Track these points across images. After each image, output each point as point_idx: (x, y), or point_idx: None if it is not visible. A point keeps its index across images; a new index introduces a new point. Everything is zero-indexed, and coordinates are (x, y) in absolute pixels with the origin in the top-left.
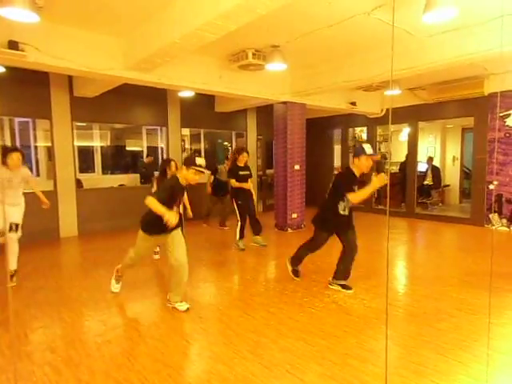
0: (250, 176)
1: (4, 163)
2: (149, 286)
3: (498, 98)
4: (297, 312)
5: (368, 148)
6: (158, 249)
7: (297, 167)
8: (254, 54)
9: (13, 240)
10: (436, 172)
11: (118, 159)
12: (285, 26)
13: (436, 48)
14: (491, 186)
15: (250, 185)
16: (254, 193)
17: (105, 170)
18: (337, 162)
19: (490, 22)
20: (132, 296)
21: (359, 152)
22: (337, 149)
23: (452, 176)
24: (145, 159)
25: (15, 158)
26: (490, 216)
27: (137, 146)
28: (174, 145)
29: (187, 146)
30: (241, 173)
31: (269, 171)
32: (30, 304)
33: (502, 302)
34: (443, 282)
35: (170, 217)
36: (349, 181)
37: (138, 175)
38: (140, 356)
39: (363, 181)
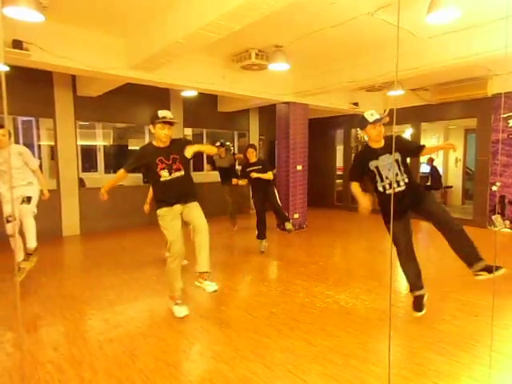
0: (265, 170)
1: None
2: (151, 284)
3: (502, 99)
4: (298, 312)
5: (370, 115)
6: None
7: (299, 167)
8: (257, 54)
9: (26, 214)
10: (435, 173)
11: (120, 158)
12: (288, 26)
13: (439, 49)
14: (494, 188)
15: (268, 175)
16: (265, 176)
17: (107, 170)
18: (339, 163)
19: (494, 22)
20: (134, 295)
21: (363, 124)
22: (339, 149)
23: (455, 177)
24: None
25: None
26: (493, 217)
27: (139, 145)
28: None
29: None
30: (251, 168)
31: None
32: (33, 302)
33: (505, 304)
34: (445, 283)
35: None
36: (355, 162)
37: (140, 174)
38: (142, 355)
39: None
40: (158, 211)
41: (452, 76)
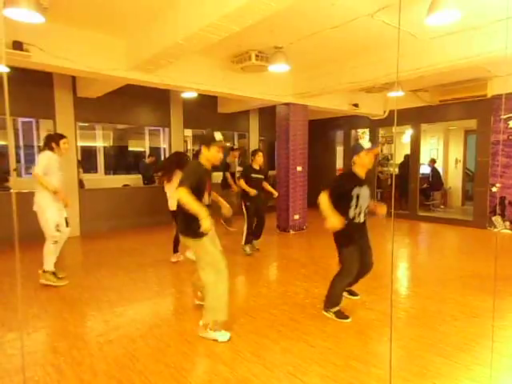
0: (265, 180)
1: (54, 149)
2: (151, 286)
3: (503, 100)
4: (299, 313)
5: (365, 143)
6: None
7: (299, 168)
8: (257, 56)
9: (67, 235)
10: (435, 174)
11: (120, 160)
12: (288, 27)
13: (439, 50)
14: (494, 189)
15: (267, 186)
16: (274, 192)
17: (107, 171)
18: (339, 164)
19: (494, 23)
20: (134, 296)
21: (357, 150)
22: (339, 150)
23: (455, 178)
24: (146, 159)
25: (67, 142)
26: (493, 218)
27: (139, 146)
28: (176, 145)
29: (190, 146)
30: (253, 175)
31: (271, 172)
32: (33, 303)
33: (505, 305)
34: (446, 285)
35: (206, 221)
36: (342, 181)
37: (140, 176)
38: (142, 356)
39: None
40: (200, 240)
41: (452, 77)
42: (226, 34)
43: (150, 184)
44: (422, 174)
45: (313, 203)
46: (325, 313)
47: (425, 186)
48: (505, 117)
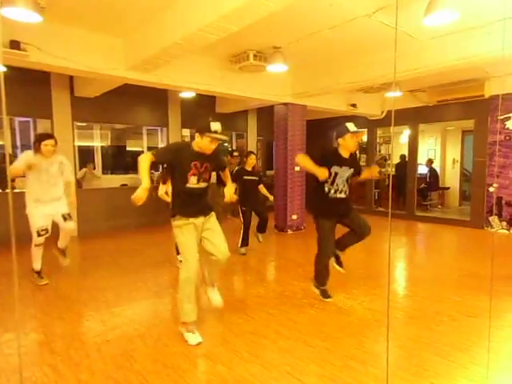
0: (260, 182)
1: (38, 150)
2: (149, 286)
3: (500, 100)
4: (296, 313)
5: (351, 126)
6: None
7: (297, 169)
8: (255, 56)
9: (70, 231)
10: (432, 174)
11: (118, 159)
12: (286, 27)
13: (437, 50)
14: (491, 189)
15: (263, 189)
16: (269, 196)
17: (105, 171)
18: None
19: (492, 24)
20: (132, 296)
21: (343, 131)
22: None
23: (452, 178)
24: None
25: (49, 144)
26: (490, 219)
27: (137, 146)
28: None
29: None
30: (246, 177)
31: (269, 172)
32: (30, 304)
33: (502, 305)
34: (443, 285)
35: (140, 191)
36: (326, 159)
37: (138, 176)
38: (139, 356)
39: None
40: (175, 221)
41: (449, 77)
42: (224, 33)
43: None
44: (420, 174)
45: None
46: (313, 288)
47: (422, 186)
48: (502, 117)
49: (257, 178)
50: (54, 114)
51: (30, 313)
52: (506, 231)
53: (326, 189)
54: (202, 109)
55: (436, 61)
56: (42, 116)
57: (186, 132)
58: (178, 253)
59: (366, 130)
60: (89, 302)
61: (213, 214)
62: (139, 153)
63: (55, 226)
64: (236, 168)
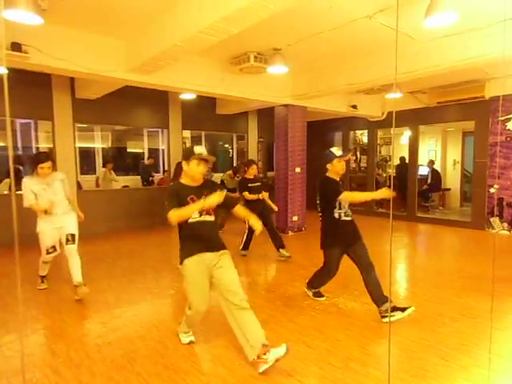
0: (263, 188)
1: (35, 172)
2: (149, 287)
3: (500, 101)
4: (297, 315)
5: (336, 150)
6: None
7: (298, 170)
8: (255, 57)
9: (73, 253)
10: (435, 175)
11: (119, 161)
12: (287, 29)
13: (437, 52)
14: (492, 190)
15: (265, 196)
16: (274, 207)
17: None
18: None
19: (492, 26)
20: (132, 298)
21: (330, 157)
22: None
23: (453, 179)
24: (145, 161)
25: (46, 167)
26: (491, 220)
27: (138, 147)
28: (175, 147)
29: None
30: (250, 185)
31: (270, 174)
32: (31, 305)
33: (504, 306)
34: (444, 286)
35: (208, 199)
36: (334, 184)
37: (139, 177)
38: (140, 358)
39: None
40: (185, 261)
41: (450, 79)
42: (224, 35)
43: (148, 185)
44: (421, 175)
45: (311, 205)
46: (305, 289)
47: (425, 187)
48: (502, 118)
49: (260, 184)
50: (55, 115)
51: (32, 314)
52: (507, 232)
53: (337, 215)
54: (202, 110)
55: (436, 62)
56: (43, 117)
57: (187, 133)
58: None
59: (351, 153)
60: (89, 303)
61: (226, 251)
62: (140, 154)
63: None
64: (237, 180)
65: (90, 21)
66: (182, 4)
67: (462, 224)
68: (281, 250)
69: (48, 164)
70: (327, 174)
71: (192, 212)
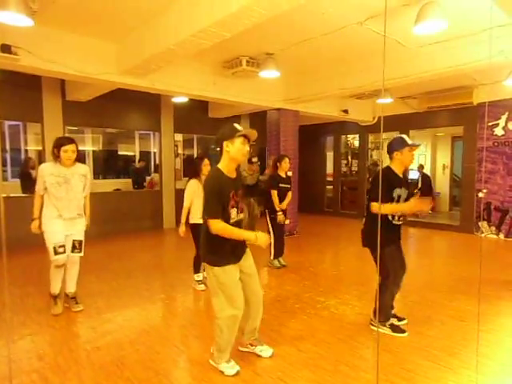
0: (290, 190)
1: (57, 158)
2: (140, 291)
3: (486, 107)
4: (289, 319)
5: (408, 138)
6: (201, 277)
7: (290, 173)
8: (248, 62)
9: (76, 262)
10: (425, 179)
11: (110, 164)
12: (279, 34)
13: (427, 58)
14: (481, 194)
15: (289, 197)
16: (284, 221)
17: (96, 175)
18: (329, 169)
19: (479, 33)
20: (123, 302)
21: (401, 144)
22: (329, 156)
23: (442, 184)
24: (136, 164)
25: (70, 150)
26: (480, 224)
27: (129, 150)
28: (166, 150)
29: (180, 151)
30: (281, 185)
31: (262, 177)
32: (18, 310)
33: (491, 309)
34: (433, 289)
35: (261, 237)
36: (387, 183)
37: (130, 180)
38: (130, 363)
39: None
40: (221, 266)
41: (439, 85)
42: (217, 39)
43: (140, 188)
44: (411, 179)
45: (303, 208)
46: (380, 329)
47: (416, 191)
48: (490, 124)
49: (289, 186)
50: (45, 117)
51: (19, 320)
52: (495, 236)
53: (390, 217)
54: (194, 114)
55: (425, 68)
56: (32, 120)
57: (179, 137)
58: (195, 271)
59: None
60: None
61: (249, 252)
62: (131, 157)
63: None
64: (269, 174)
65: (81, 23)
66: (175, 7)
67: (450, 228)
68: (279, 258)
69: (72, 147)
70: (390, 165)
71: (239, 238)
